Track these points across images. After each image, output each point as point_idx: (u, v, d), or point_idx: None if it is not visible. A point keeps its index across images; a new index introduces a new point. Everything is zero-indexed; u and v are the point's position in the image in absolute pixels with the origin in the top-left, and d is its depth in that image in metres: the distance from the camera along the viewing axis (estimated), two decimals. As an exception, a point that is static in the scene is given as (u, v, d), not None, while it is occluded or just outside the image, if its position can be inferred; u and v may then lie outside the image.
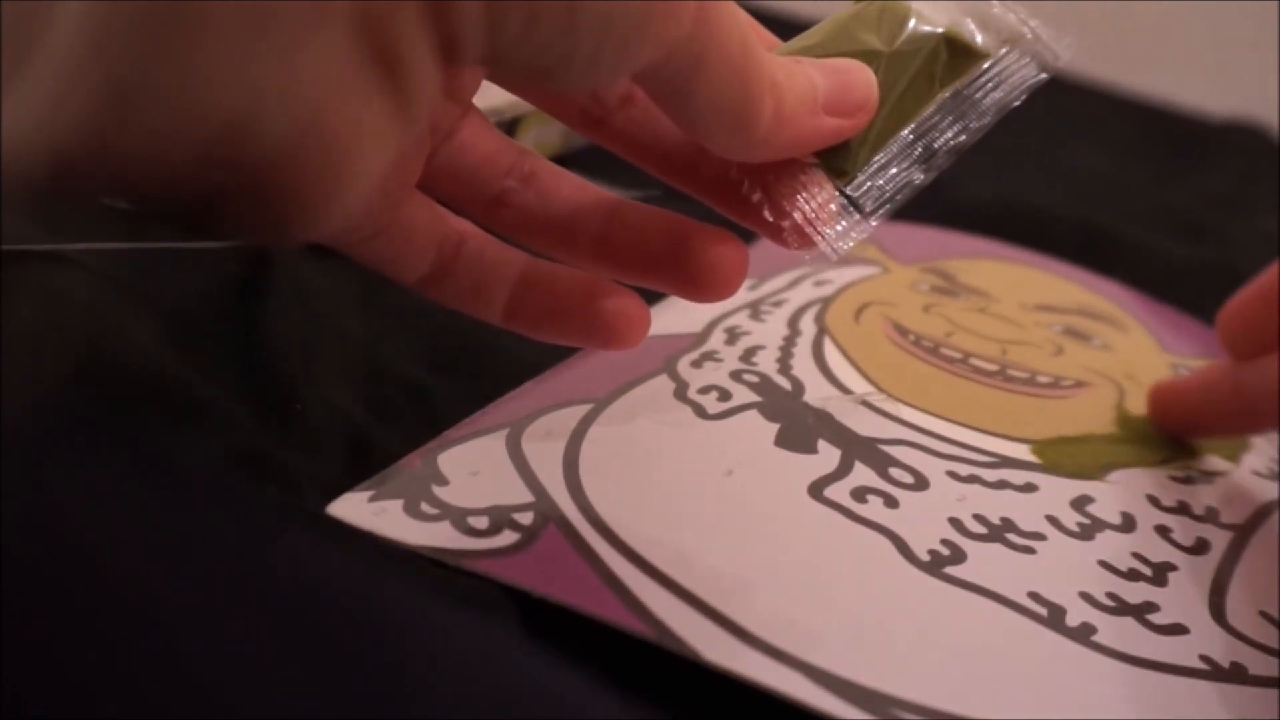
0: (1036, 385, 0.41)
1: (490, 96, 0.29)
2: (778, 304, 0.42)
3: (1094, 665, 0.30)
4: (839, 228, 0.27)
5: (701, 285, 0.29)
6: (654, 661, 0.27)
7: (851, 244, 0.27)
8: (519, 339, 0.31)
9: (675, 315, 0.41)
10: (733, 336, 0.40)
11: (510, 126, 0.48)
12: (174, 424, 0.33)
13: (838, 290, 0.44)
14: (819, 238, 0.27)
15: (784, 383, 0.37)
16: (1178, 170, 0.69)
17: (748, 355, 0.39)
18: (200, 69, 0.19)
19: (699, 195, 0.30)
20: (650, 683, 0.26)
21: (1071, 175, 0.66)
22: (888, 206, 0.28)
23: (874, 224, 0.28)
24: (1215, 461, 0.39)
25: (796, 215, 0.27)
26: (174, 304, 0.36)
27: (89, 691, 0.21)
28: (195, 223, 0.23)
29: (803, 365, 0.39)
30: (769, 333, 0.40)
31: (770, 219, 0.27)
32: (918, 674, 0.28)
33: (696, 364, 0.38)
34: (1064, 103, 0.76)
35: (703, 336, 0.40)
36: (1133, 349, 0.46)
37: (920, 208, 0.53)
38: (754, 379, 0.37)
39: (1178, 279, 0.52)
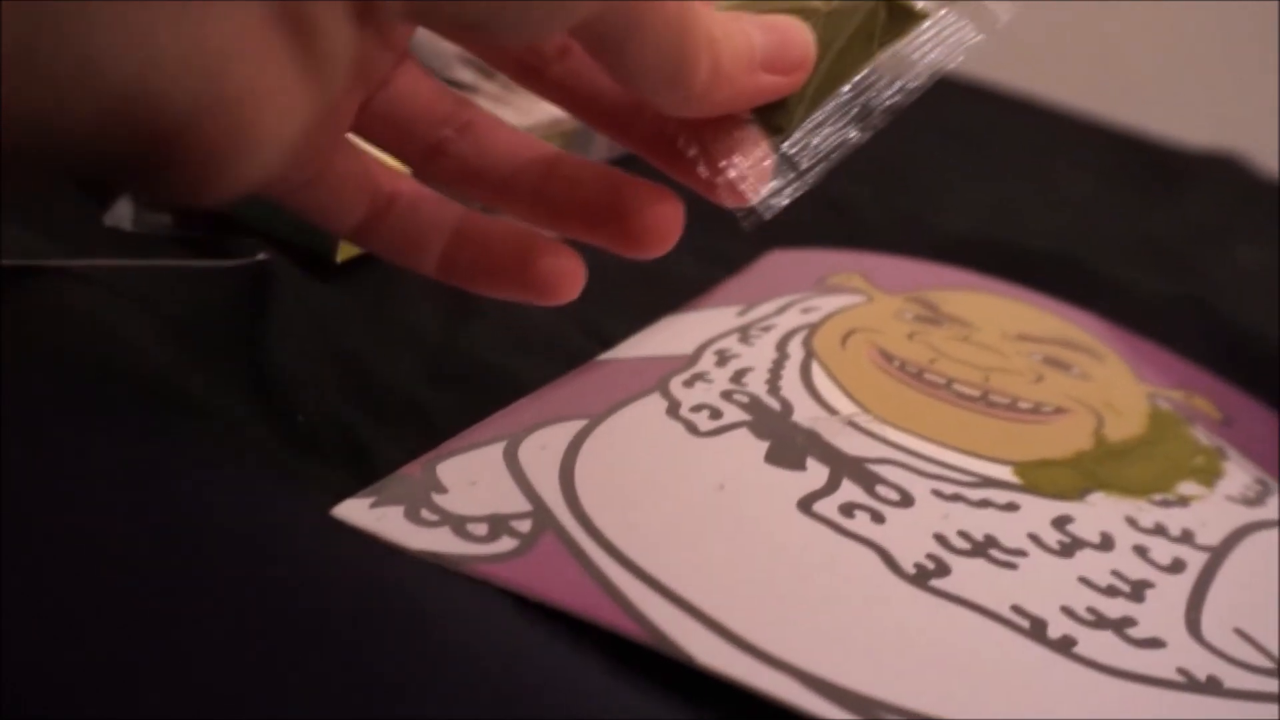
0: (1018, 410, 0.42)
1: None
2: (766, 329, 0.43)
3: (1075, 676, 0.30)
4: (773, 185, 0.27)
5: (638, 240, 0.29)
6: (653, 665, 0.28)
7: (786, 202, 0.27)
8: (517, 356, 0.32)
9: (667, 338, 0.42)
10: (723, 359, 0.41)
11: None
12: (178, 436, 0.33)
13: (824, 317, 0.45)
14: (753, 194, 0.27)
15: (773, 403, 0.38)
16: (1155, 201, 0.69)
17: (738, 376, 0.40)
18: (95, 34, 0.19)
19: (636, 150, 0.29)
20: (652, 684, 0.27)
21: (1050, 206, 0.67)
22: (823, 165, 0.28)
23: (809, 182, 0.27)
24: (1191, 487, 0.40)
25: (731, 172, 0.27)
26: (179, 319, 0.36)
27: (90, 691, 0.21)
28: (115, 183, 0.23)
29: (791, 387, 0.40)
30: (758, 355, 0.41)
31: (705, 175, 0.27)
32: (903, 680, 0.29)
33: (688, 384, 0.39)
34: (1042, 132, 0.77)
35: (694, 358, 0.40)
36: (1110, 378, 0.47)
37: (903, 237, 0.54)
38: (744, 399, 0.38)
39: (1154, 312, 0.53)
